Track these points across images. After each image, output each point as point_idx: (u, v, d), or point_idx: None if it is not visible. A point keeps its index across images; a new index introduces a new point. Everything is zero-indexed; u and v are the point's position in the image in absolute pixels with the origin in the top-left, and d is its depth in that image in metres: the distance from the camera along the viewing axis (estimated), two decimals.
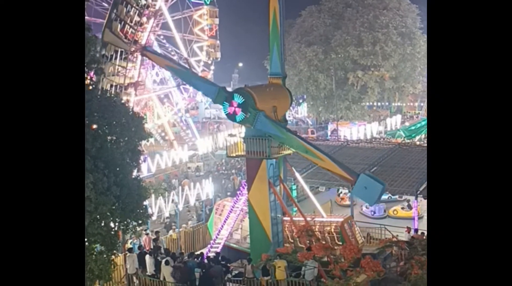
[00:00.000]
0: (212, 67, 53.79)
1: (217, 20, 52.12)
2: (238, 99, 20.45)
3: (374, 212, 31.81)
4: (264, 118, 20.35)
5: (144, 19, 40.61)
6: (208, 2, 51.80)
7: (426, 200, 25.64)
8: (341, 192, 33.06)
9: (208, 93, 23.41)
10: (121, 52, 31.20)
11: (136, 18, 36.52)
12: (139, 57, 37.37)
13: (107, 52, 28.12)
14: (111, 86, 33.55)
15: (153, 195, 26.33)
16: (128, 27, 34.36)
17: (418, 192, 25.58)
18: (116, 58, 30.23)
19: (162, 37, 53.54)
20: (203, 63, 52.58)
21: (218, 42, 52.62)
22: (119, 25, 31.80)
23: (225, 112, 21.16)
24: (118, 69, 34.21)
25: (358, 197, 20.40)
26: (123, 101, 17.45)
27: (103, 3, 50.44)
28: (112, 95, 18.36)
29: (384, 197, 31.72)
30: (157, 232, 25.70)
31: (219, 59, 53.34)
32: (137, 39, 35.73)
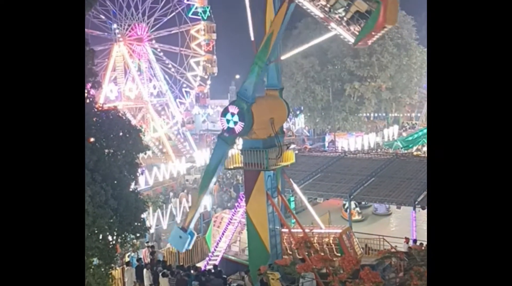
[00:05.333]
0: (209, 82, 53.97)
1: (214, 35, 52.36)
2: (233, 109, 20.37)
3: (377, 209, 32.07)
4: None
5: None
6: (205, 18, 52.06)
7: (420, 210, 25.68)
8: (346, 206, 32.36)
9: (246, 88, 20.76)
10: None
11: None
12: None
13: None
14: None
15: (150, 208, 26.24)
16: None
17: (416, 202, 25.57)
18: None
19: (159, 50, 53.78)
20: (199, 78, 52.74)
21: (215, 57, 52.79)
22: None
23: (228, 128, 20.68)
24: None
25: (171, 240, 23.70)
26: (120, 114, 17.42)
27: (101, 16, 50.79)
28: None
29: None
30: (152, 246, 25.61)
31: (215, 74, 53.51)
32: None
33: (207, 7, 52.21)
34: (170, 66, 53.42)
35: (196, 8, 52.16)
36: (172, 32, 52.23)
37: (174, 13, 51.04)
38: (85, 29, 48.60)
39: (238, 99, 20.65)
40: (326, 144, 55.48)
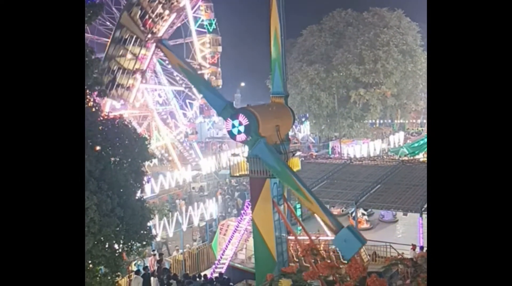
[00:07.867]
0: None
1: (220, 48, 52.49)
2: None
3: (383, 216, 31.87)
4: (264, 146, 20.03)
5: (167, 12, 41.32)
6: (211, 30, 52.17)
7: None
8: (352, 213, 31.46)
9: (214, 105, 22.16)
10: (136, 38, 32.17)
11: (159, 10, 37.70)
12: (153, 47, 39.08)
13: (122, 34, 29.09)
14: (118, 69, 36.45)
15: (157, 216, 26.24)
16: (148, 16, 35.80)
17: (423, 209, 25.47)
18: (130, 43, 31.59)
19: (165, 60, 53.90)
20: None
21: (219, 69, 52.83)
22: (139, 12, 32.95)
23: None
24: (128, 54, 36.02)
25: (336, 247, 20.42)
26: (126, 122, 17.46)
27: (107, 23, 50.94)
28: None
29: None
30: (160, 254, 25.60)
31: (220, 87, 53.49)
32: (155, 30, 36.51)
33: (213, 20, 52.36)
34: (175, 74, 53.51)
35: (202, 20, 52.34)
36: (177, 43, 52.30)
37: (179, 25, 51.10)
38: (91, 35, 49.08)
39: (220, 114, 21.38)
40: (330, 151, 55.45)
